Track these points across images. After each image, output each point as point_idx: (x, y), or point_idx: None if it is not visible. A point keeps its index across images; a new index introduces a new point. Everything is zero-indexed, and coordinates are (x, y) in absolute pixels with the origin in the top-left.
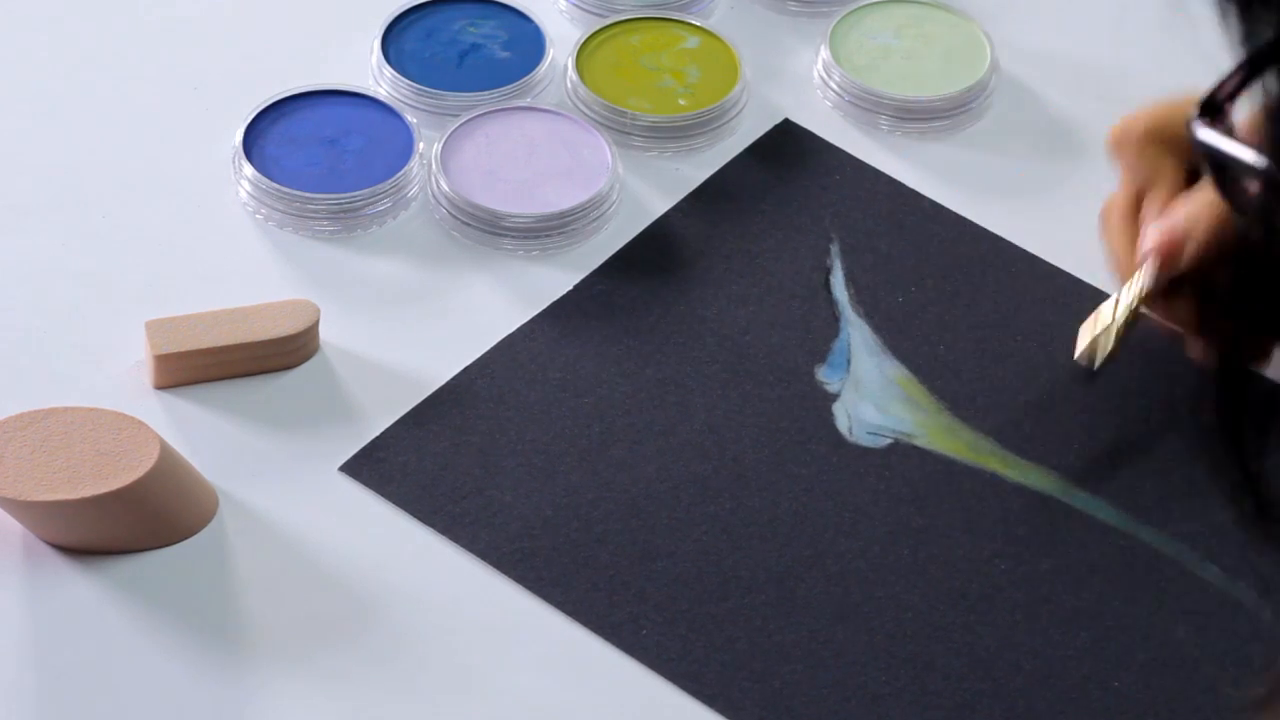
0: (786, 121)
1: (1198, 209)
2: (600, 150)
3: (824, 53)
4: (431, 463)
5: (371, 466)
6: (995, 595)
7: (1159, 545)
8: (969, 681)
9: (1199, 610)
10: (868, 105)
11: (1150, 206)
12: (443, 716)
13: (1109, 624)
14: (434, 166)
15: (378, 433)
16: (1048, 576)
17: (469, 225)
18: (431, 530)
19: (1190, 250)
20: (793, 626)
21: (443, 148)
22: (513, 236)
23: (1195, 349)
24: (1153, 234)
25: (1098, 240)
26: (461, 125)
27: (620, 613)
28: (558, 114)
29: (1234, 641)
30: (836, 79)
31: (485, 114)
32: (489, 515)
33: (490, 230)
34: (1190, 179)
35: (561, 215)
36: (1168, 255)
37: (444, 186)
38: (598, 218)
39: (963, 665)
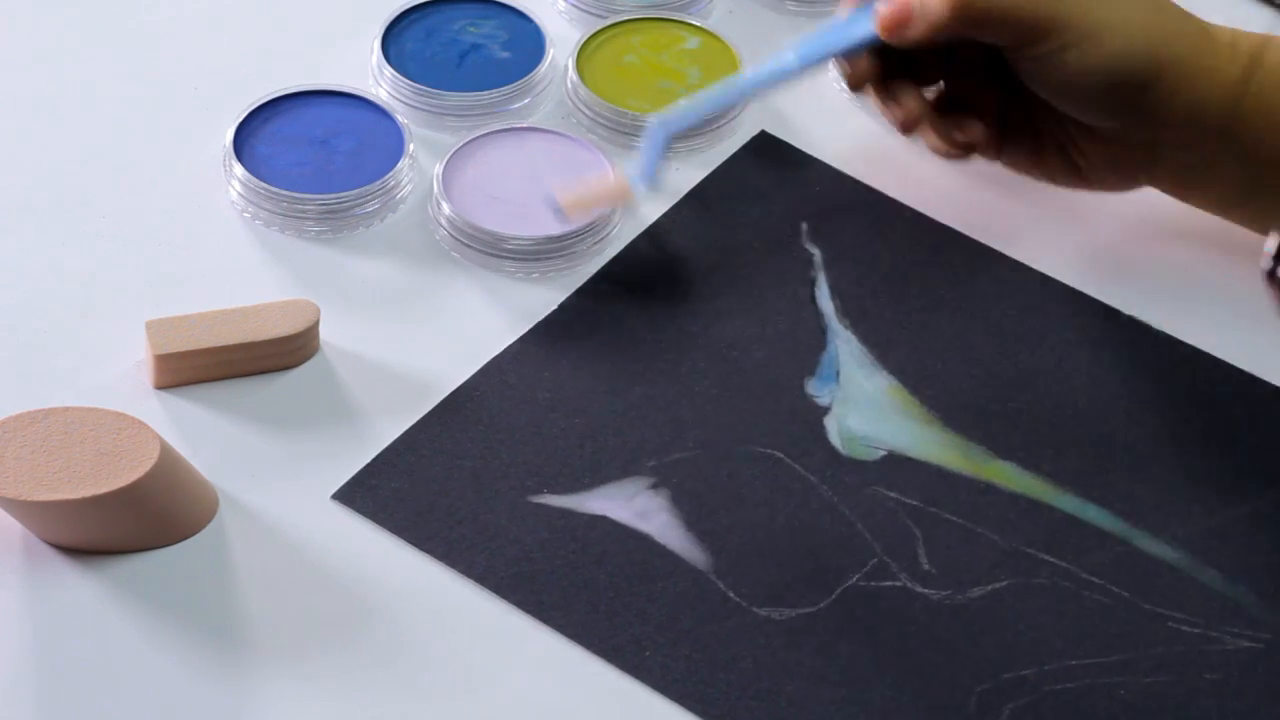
0: (763, 133)
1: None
2: (603, 172)
3: None
4: (425, 488)
5: (364, 494)
6: (996, 605)
7: (1157, 551)
8: (975, 693)
9: (1201, 615)
10: None
11: None
12: (443, 716)
13: (1112, 632)
14: (436, 188)
15: (378, 433)
16: (1047, 585)
17: (469, 247)
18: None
19: (916, 32)
20: (795, 643)
21: (444, 169)
22: (514, 258)
23: (928, 138)
24: (879, 4)
25: (1092, 245)
26: (463, 146)
27: (622, 634)
28: (560, 135)
29: (1237, 646)
30: None
31: (487, 134)
32: (485, 539)
33: (491, 253)
34: None
35: (563, 238)
36: (890, 26)
37: (446, 210)
38: (600, 240)
39: (968, 676)
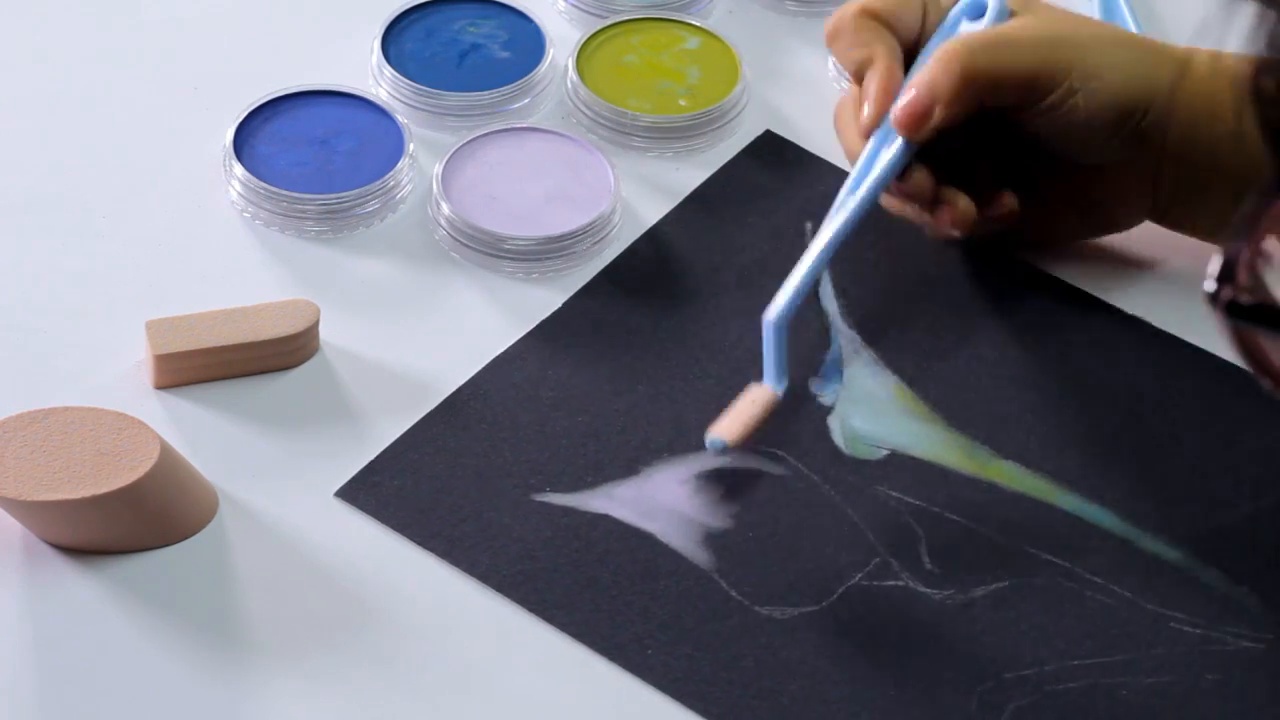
0: (768, 133)
1: (936, 76)
2: (603, 172)
3: None
4: (428, 486)
5: (368, 491)
6: (999, 605)
7: (1159, 551)
8: (977, 693)
9: (1203, 616)
10: None
11: (870, 82)
12: (444, 714)
13: (1114, 632)
14: (435, 188)
15: (378, 433)
16: (1049, 585)
17: (469, 247)
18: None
19: (938, 116)
20: (798, 642)
21: (444, 169)
22: (513, 259)
23: (932, 225)
24: (896, 107)
25: (1095, 243)
26: (463, 146)
27: (624, 633)
28: (560, 135)
29: (1238, 646)
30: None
31: (487, 135)
32: (488, 538)
33: (491, 253)
34: (908, 56)
35: (562, 238)
36: (912, 123)
37: (445, 210)
38: (599, 240)
39: (971, 676)
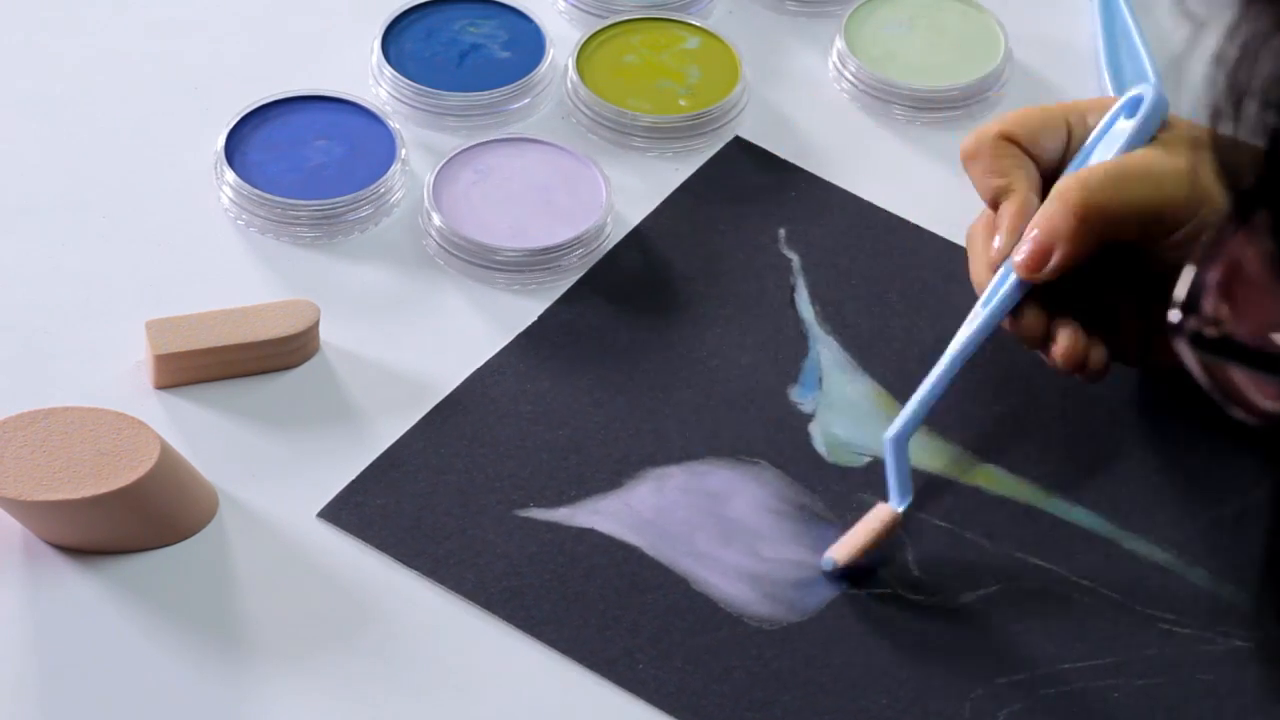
0: (737, 139)
1: (1053, 214)
2: (595, 185)
3: (839, 43)
4: (411, 504)
5: (350, 511)
6: (988, 609)
7: (1146, 552)
8: (970, 699)
9: (1192, 616)
10: (882, 95)
11: (1005, 214)
12: (442, 715)
13: (1104, 635)
14: (426, 199)
15: (378, 434)
16: (1037, 589)
17: (459, 258)
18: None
19: (1057, 259)
20: (788, 653)
21: (435, 179)
22: (503, 270)
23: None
24: (1017, 252)
25: None
26: (456, 156)
27: (614, 648)
28: (554, 146)
29: (1229, 646)
30: (852, 69)
31: (480, 145)
32: (473, 555)
33: (481, 264)
34: (1049, 182)
35: (552, 250)
36: (1032, 263)
37: (435, 220)
38: (589, 253)
39: (962, 682)
